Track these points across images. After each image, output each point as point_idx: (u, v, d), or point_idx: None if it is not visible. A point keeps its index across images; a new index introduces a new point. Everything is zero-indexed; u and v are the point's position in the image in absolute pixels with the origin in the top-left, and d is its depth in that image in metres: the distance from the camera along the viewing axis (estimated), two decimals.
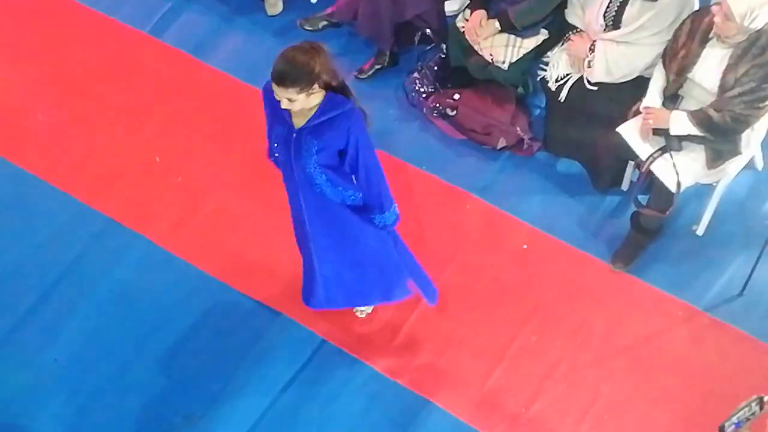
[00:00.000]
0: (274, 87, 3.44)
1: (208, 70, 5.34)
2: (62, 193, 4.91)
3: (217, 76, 5.31)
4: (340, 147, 3.61)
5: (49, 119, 5.20)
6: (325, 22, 5.42)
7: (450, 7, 5.17)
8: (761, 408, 2.73)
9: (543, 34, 4.76)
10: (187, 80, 5.32)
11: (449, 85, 5.05)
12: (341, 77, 3.61)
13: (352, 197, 3.76)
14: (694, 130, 4.12)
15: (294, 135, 3.60)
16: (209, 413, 4.27)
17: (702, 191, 4.58)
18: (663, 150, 4.23)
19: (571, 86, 4.61)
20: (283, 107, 3.51)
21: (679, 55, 4.16)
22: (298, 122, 3.60)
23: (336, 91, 3.58)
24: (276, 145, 3.70)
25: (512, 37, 4.75)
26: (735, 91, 4.01)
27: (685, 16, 4.23)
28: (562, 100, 4.63)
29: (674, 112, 4.16)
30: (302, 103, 3.50)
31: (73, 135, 5.13)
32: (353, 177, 3.74)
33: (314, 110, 3.56)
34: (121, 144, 5.08)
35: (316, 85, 3.48)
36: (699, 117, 4.09)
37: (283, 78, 3.41)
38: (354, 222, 3.83)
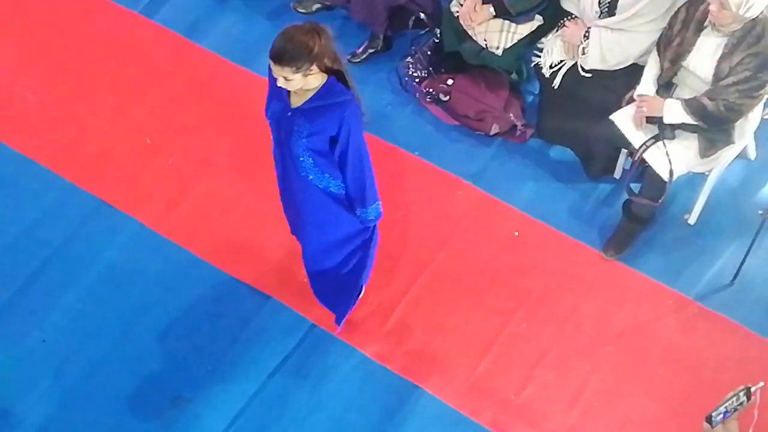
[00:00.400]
0: (272, 64, 3.42)
1: (200, 51, 5.31)
2: (51, 173, 4.89)
3: (209, 58, 5.28)
4: (331, 134, 3.58)
5: (38, 99, 5.17)
6: (318, 5, 5.39)
7: None
8: (748, 398, 2.73)
9: (537, 20, 4.74)
10: (178, 61, 5.30)
11: (443, 70, 5.03)
12: (343, 64, 3.58)
13: (338, 187, 3.75)
14: (688, 119, 4.11)
15: (289, 114, 3.58)
16: (198, 396, 4.27)
17: (694, 180, 4.58)
18: (656, 138, 4.23)
19: (565, 73, 4.59)
20: (278, 85, 3.49)
21: (673, 43, 4.14)
22: (295, 102, 3.58)
23: (337, 77, 3.55)
24: (271, 121, 3.68)
25: (507, 22, 4.73)
26: (729, 80, 4.00)
27: (680, 4, 4.21)
28: (555, 87, 4.62)
29: (668, 100, 4.15)
30: (299, 83, 3.47)
31: (63, 115, 5.10)
32: (339, 167, 3.71)
33: (312, 93, 3.54)
34: (111, 125, 5.06)
35: (315, 67, 3.45)
36: (693, 105, 4.08)
37: (280, 56, 3.39)
38: (334, 209, 3.81)
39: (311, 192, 3.77)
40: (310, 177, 3.71)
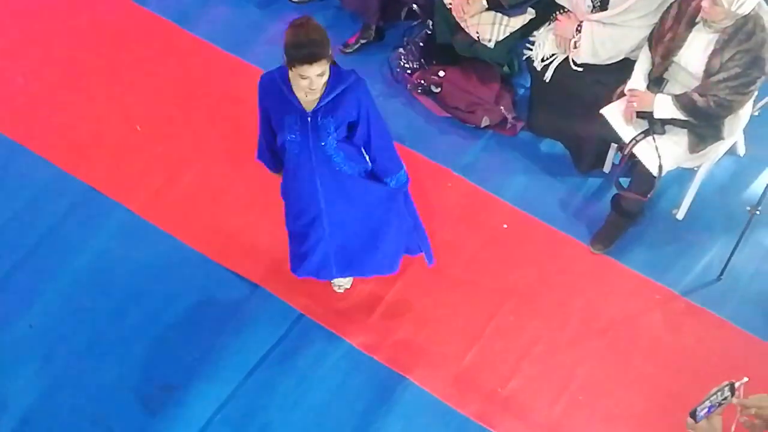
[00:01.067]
0: (307, 68, 3.38)
1: (192, 39, 5.31)
2: (41, 158, 4.88)
3: (200, 46, 5.28)
4: (351, 119, 3.61)
5: (29, 83, 5.16)
6: None
7: None
8: (732, 394, 2.73)
9: (530, 14, 4.74)
10: (170, 49, 5.29)
11: (434, 62, 5.03)
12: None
13: (364, 169, 3.79)
14: (678, 114, 4.12)
15: (309, 118, 3.58)
16: (185, 384, 4.27)
17: (683, 175, 4.59)
18: (646, 133, 4.24)
19: (556, 67, 4.59)
20: (313, 88, 3.46)
21: (665, 39, 4.15)
22: (310, 104, 3.57)
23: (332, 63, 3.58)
24: (292, 136, 3.63)
25: (499, 15, 4.72)
26: (720, 76, 4.01)
27: (672, 0, 4.22)
28: (547, 81, 4.62)
29: (658, 95, 4.16)
30: (326, 74, 3.47)
31: (53, 100, 5.09)
32: (363, 146, 3.75)
33: (323, 88, 3.54)
34: (101, 111, 5.05)
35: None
36: (683, 101, 4.08)
37: (315, 54, 3.37)
38: (372, 191, 3.84)
39: (346, 185, 3.78)
40: (345, 169, 3.73)
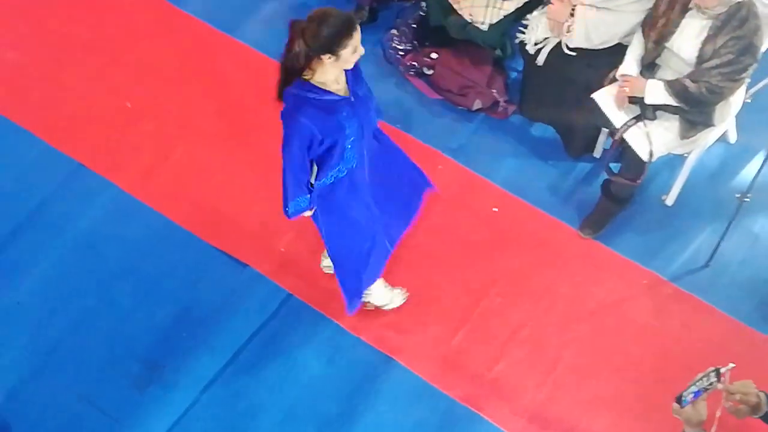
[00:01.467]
0: (356, 36, 3.33)
1: (184, 16, 5.28)
2: (30, 134, 4.86)
3: (192, 23, 5.25)
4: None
5: (18, 58, 5.12)
6: None
7: None
8: (718, 379, 2.75)
9: None
10: (161, 26, 5.26)
11: (427, 44, 5.01)
12: None
13: None
14: (670, 100, 4.11)
15: (353, 99, 3.55)
16: (172, 362, 4.27)
17: (673, 162, 4.60)
18: (637, 118, 4.24)
19: (549, 51, 4.58)
20: (355, 61, 3.44)
21: (658, 24, 4.14)
22: (343, 87, 3.53)
23: None
24: (351, 128, 3.57)
25: None
26: (712, 63, 4.01)
27: None
28: (539, 64, 4.60)
29: (650, 81, 4.15)
30: None
31: (42, 75, 5.06)
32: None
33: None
34: (91, 87, 5.02)
35: None
36: (675, 87, 4.08)
37: (355, 21, 3.35)
38: (378, 137, 3.85)
39: (371, 144, 3.78)
40: (375, 125, 3.76)
